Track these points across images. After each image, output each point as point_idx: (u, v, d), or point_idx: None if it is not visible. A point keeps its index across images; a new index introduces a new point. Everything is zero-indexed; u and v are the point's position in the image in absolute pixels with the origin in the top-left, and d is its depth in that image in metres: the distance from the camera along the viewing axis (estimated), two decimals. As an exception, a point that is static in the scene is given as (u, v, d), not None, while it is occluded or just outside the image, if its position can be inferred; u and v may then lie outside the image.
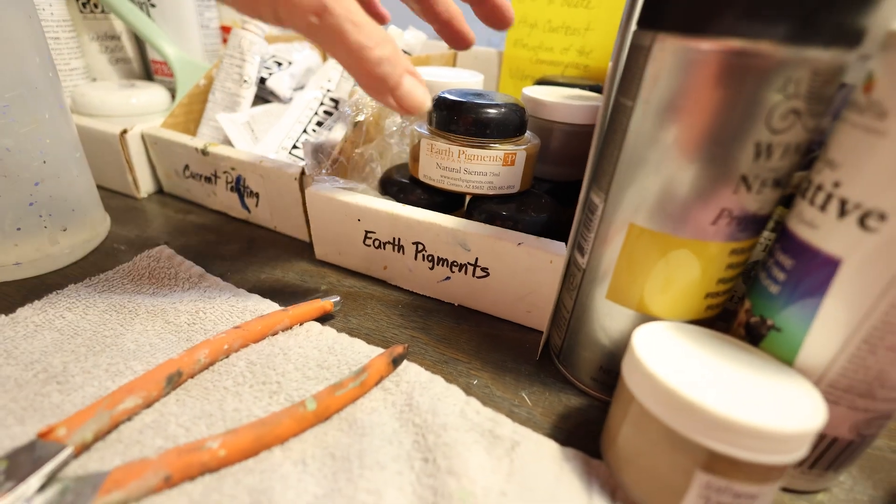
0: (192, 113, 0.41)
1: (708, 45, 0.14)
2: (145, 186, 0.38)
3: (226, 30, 0.49)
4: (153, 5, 0.43)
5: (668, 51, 0.15)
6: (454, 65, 0.47)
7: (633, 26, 0.17)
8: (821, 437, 0.17)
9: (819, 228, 0.15)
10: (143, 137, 0.37)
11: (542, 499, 0.17)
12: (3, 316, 0.23)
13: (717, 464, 0.14)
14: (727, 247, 0.17)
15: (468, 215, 0.27)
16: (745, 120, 0.15)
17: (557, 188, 0.32)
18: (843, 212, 0.14)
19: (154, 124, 0.38)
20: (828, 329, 0.15)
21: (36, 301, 0.24)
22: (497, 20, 0.25)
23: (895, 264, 0.14)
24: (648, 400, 0.16)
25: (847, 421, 0.16)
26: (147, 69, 0.48)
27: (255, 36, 0.39)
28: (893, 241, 0.13)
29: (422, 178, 0.28)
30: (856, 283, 0.14)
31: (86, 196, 0.30)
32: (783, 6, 0.13)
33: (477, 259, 0.25)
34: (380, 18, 0.26)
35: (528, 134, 0.28)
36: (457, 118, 0.25)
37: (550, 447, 0.19)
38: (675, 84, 0.15)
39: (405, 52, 0.40)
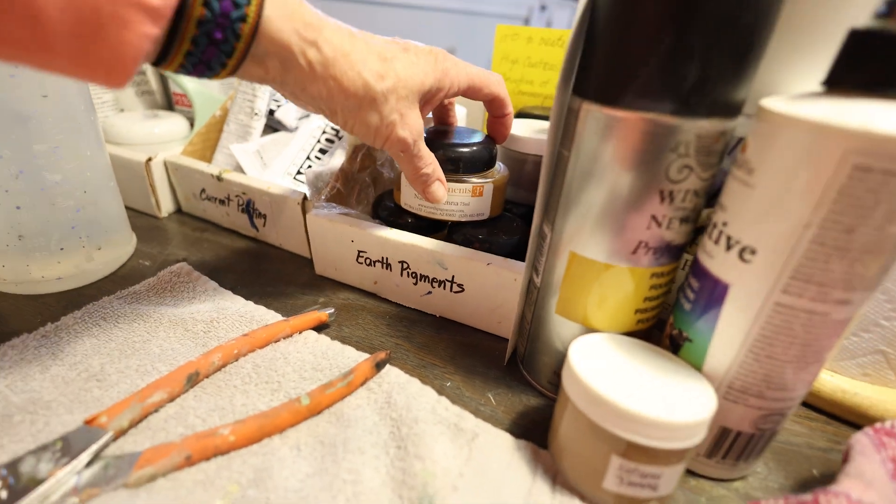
0: (209, 140, 0.45)
1: (618, 114, 0.18)
2: (166, 207, 0.43)
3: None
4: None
5: (591, 115, 0.19)
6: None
7: (569, 92, 0.21)
8: (727, 431, 0.20)
9: (715, 258, 0.19)
10: (165, 164, 0.41)
11: (493, 479, 0.20)
12: (49, 323, 0.27)
13: (629, 450, 0.18)
14: (648, 271, 0.21)
15: (449, 238, 0.31)
16: (650, 172, 0.18)
17: (530, 212, 0.36)
18: (728, 246, 0.18)
19: (175, 152, 0.42)
20: (724, 340, 0.19)
21: (76, 311, 0.28)
22: (499, 135, 0.32)
23: (764, 290, 0.17)
24: (579, 400, 0.19)
25: (746, 418, 0.20)
26: (169, 100, 0.52)
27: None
28: (762, 271, 0.17)
29: (403, 206, 0.32)
30: (739, 304, 0.18)
31: (117, 218, 0.34)
32: (666, 89, 0.17)
33: (453, 276, 0.29)
34: (451, 122, 0.34)
35: (497, 166, 0.32)
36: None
37: (505, 439, 0.22)
38: (597, 141, 0.19)
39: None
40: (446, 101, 0.33)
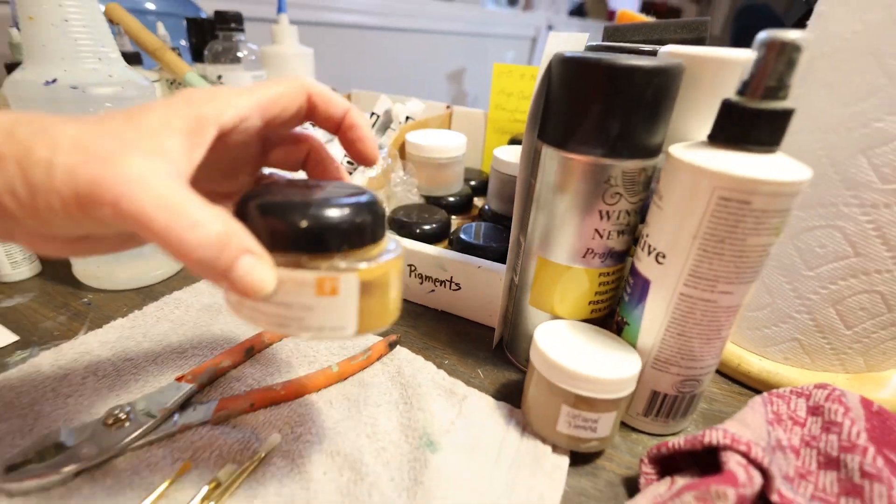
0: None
1: (567, 156, 0.25)
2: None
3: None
4: (222, 82, 0.56)
5: (548, 154, 0.26)
6: (450, 126, 0.59)
7: (535, 136, 0.28)
8: (656, 394, 0.26)
9: (642, 261, 0.25)
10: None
11: (476, 427, 0.27)
12: (136, 311, 0.34)
13: (576, 401, 0.24)
14: (597, 271, 0.27)
15: (450, 244, 0.38)
16: (591, 197, 0.25)
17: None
18: (649, 252, 0.24)
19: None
20: (649, 323, 0.25)
21: (154, 302, 0.35)
22: (362, 157, 0.22)
23: (672, 284, 0.23)
24: (540, 367, 0.25)
25: (669, 382, 0.26)
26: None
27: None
28: (670, 270, 0.23)
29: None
30: (658, 295, 0.24)
31: None
32: (598, 140, 0.23)
33: (452, 277, 0.36)
34: (366, 160, 0.22)
35: (388, 245, 0.19)
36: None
37: (489, 401, 0.29)
38: (553, 173, 0.26)
39: (408, 117, 0.51)
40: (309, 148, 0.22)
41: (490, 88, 0.56)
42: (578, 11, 1.98)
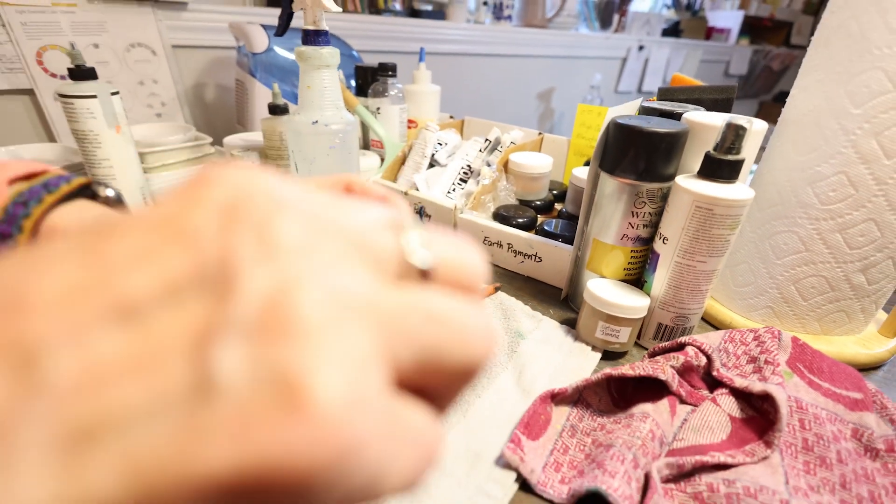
0: (393, 171, 0.76)
1: (613, 179, 0.43)
2: (369, 208, 0.74)
3: (411, 122, 0.85)
4: (379, 112, 0.80)
5: (603, 177, 0.44)
6: (541, 149, 0.78)
7: (597, 165, 0.46)
8: (661, 325, 0.43)
9: (655, 243, 0.43)
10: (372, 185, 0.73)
11: (548, 333, 0.45)
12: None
13: (607, 318, 0.42)
14: (629, 249, 0.45)
15: (536, 232, 0.57)
16: (628, 204, 0.43)
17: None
18: (660, 237, 0.42)
19: (375, 177, 0.74)
20: (658, 281, 0.42)
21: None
22: None
23: (671, 256, 0.41)
24: (590, 300, 0.44)
25: (669, 317, 0.43)
26: (366, 144, 0.85)
27: (432, 133, 0.73)
28: (670, 247, 0.41)
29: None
30: (663, 263, 0.41)
31: None
32: (632, 170, 0.41)
33: (536, 252, 0.55)
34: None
35: None
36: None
37: (556, 323, 0.47)
38: (606, 187, 0.44)
39: (512, 142, 0.71)
40: None
41: (575, 112, 0.73)
42: (673, 31, 2.05)
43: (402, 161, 0.76)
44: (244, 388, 0.07)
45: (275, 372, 0.07)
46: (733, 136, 0.36)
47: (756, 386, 0.34)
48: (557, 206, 0.72)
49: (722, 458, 0.31)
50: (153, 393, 0.07)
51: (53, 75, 0.85)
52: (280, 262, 0.08)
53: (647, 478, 0.30)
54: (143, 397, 0.07)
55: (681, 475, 0.31)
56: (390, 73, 0.80)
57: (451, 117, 0.89)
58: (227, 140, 0.75)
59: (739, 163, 0.37)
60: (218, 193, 0.08)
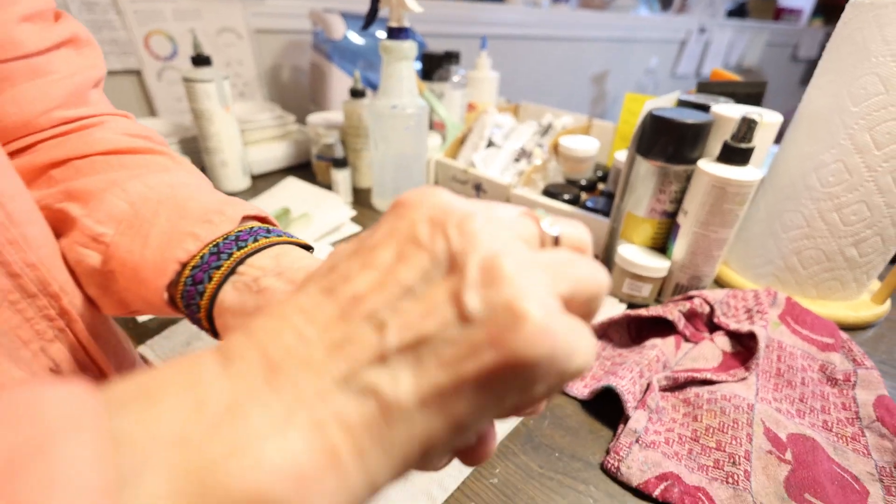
0: (452, 151, 0.90)
1: (647, 162, 0.55)
2: (430, 184, 0.88)
3: (470, 105, 0.98)
4: (443, 96, 0.93)
5: (639, 160, 0.56)
6: (589, 132, 0.88)
7: (634, 150, 0.57)
8: (679, 284, 0.55)
9: (678, 216, 0.54)
10: (435, 163, 0.86)
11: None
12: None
13: (632, 276, 0.54)
14: (657, 221, 0.56)
15: (580, 206, 0.69)
16: (658, 182, 0.54)
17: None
18: (683, 211, 0.53)
19: (437, 156, 0.87)
20: (679, 248, 0.54)
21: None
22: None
23: (690, 227, 0.52)
24: (619, 261, 0.56)
25: (685, 277, 0.54)
26: (430, 125, 0.99)
27: (490, 116, 0.86)
28: (690, 219, 0.52)
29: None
30: (683, 232, 0.53)
31: (421, 183, 0.79)
32: (662, 155, 0.53)
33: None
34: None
35: None
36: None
37: (591, 282, 0.60)
38: (640, 169, 0.56)
39: (563, 127, 0.82)
40: None
41: (626, 95, 0.84)
42: (739, 12, 2.04)
43: (462, 141, 0.90)
44: (488, 315, 0.12)
45: (502, 303, 0.12)
46: (746, 128, 0.47)
47: (745, 327, 0.46)
48: (601, 186, 0.83)
49: (709, 375, 0.43)
50: (441, 327, 0.12)
51: (157, 57, 1.03)
52: (480, 244, 0.13)
53: (649, 385, 0.42)
54: (435, 330, 0.12)
55: (675, 386, 0.43)
56: (454, 60, 0.92)
57: (508, 101, 1.01)
58: (311, 119, 0.90)
59: (750, 150, 0.48)
60: (423, 211, 0.14)
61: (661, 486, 0.36)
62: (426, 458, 0.13)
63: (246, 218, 0.27)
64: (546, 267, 0.14)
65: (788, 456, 0.37)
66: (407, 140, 0.72)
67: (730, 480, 0.36)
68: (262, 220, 0.28)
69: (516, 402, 0.13)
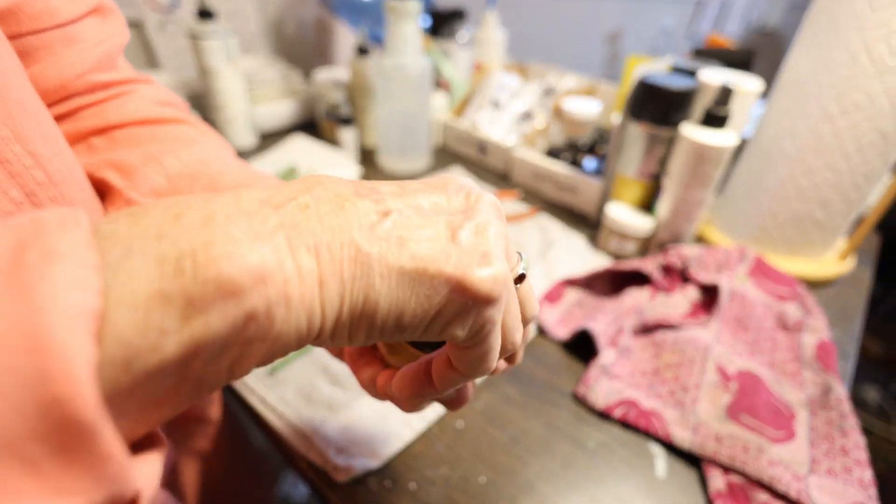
0: (457, 111, 0.94)
1: (637, 125, 0.60)
2: (436, 143, 0.93)
3: (477, 66, 1.02)
4: (449, 55, 0.97)
5: (629, 123, 0.61)
6: (594, 94, 0.92)
7: (627, 113, 0.63)
8: (661, 241, 0.61)
9: (662, 177, 0.60)
10: (442, 124, 0.91)
11: (573, 242, 0.65)
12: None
13: (621, 237, 0.61)
14: (644, 183, 0.62)
15: (578, 167, 0.75)
16: (647, 146, 0.60)
17: (622, 164, 0.77)
18: (667, 173, 0.59)
19: (443, 116, 0.92)
20: (663, 207, 0.60)
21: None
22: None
23: (673, 188, 0.58)
24: (607, 222, 0.62)
25: (668, 234, 0.61)
26: (436, 84, 1.03)
27: (496, 77, 0.90)
28: (672, 181, 0.58)
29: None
30: (667, 193, 0.59)
31: (424, 143, 0.85)
32: (650, 117, 0.58)
33: (574, 185, 0.73)
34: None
35: None
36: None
37: (583, 238, 0.66)
38: (630, 131, 0.61)
39: (566, 89, 0.87)
40: None
41: (641, 58, 0.88)
42: (767, -36, 1.99)
43: (467, 101, 0.94)
44: (467, 248, 0.17)
45: (482, 248, 0.17)
46: (723, 95, 0.52)
47: (712, 279, 0.53)
48: (602, 150, 0.88)
49: (674, 320, 0.50)
50: (431, 236, 0.17)
51: (158, 9, 1.06)
52: (483, 211, 0.19)
53: (622, 328, 0.50)
54: (427, 235, 0.17)
55: (645, 329, 0.51)
56: (461, 18, 0.96)
57: (515, 62, 1.04)
58: (317, 76, 0.95)
59: (726, 117, 0.53)
60: (457, 183, 0.20)
61: (622, 410, 0.43)
62: (370, 332, 0.17)
63: None
64: (510, 240, 0.20)
65: (733, 387, 0.45)
66: (411, 98, 0.77)
67: (679, 405, 0.43)
68: None
69: (445, 321, 0.17)
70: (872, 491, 0.38)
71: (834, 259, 0.61)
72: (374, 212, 0.17)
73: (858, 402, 1.34)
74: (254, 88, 0.96)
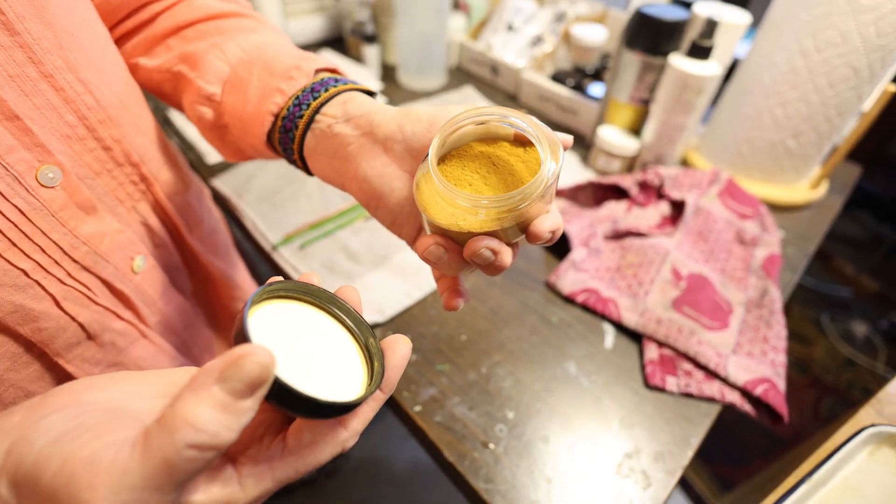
0: (474, 32, 0.94)
1: (631, 53, 0.62)
2: (453, 63, 0.95)
3: (496, -14, 1.00)
4: (469, -26, 0.95)
5: (624, 50, 0.63)
6: (604, 23, 0.91)
7: (624, 43, 0.64)
8: (645, 162, 0.65)
9: (650, 103, 0.62)
10: (459, 45, 0.92)
11: (565, 164, 0.69)
12: (432, 98, 0.82)
13: (607, 154, 0.65)
14: (635, 107, 0.65)
15: (580, 91, 0.77)
16: (639, 73, 0.62)
17: (624, 91, 0.79)
18: (654, 99, 0.61)
19: (460, 37, 0.92)
20: (648, 131, 0.64)
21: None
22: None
23: (659, 113, 0.61)
24: (598, 142, 0.66)
25: (651, 155, 0.65)
26: (456, 5, 1.02)
27: (512, 0, 0.89)
28: (658, 106, 0.61)
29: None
30: (653, 118, 0.62)
31: (441, 63, 0.86)
32: (643, 46, 0.60)
33: (575, 108, 0.76)
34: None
35: None
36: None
37: (576, 157, 0.70)
38: (625, 57, 0.63)
39: (576, 15, 0.86)
40: None
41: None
42: None
43: (484, 23, 0.94)
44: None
45: None
46: (708, 28, 0.54)
47: (680, 196, 0.57)
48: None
49: (643, 229, 0.56)
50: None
51: None
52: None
53: (594, 233, 0.55)
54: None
55: (616, 236, 0.56)
56: (483, -64, 0.93)
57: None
58: (343, -7, 0.95)
59: (710, 48, 0.55)
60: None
61: (584, 296, 0.51)
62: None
63: (319, 70, 0.31)
64: None
65: (682, 285, 0.51)
66: (431, 20, 0.79)
67: (633, 296, 0.50)
68: (332, 70, 0.32)
69: None
70: (782, 370, 0.45)
71: (805, 187, 0.64)
72: None
73: (847, 335, 1.40)
74: (287, 3, 0.96)
